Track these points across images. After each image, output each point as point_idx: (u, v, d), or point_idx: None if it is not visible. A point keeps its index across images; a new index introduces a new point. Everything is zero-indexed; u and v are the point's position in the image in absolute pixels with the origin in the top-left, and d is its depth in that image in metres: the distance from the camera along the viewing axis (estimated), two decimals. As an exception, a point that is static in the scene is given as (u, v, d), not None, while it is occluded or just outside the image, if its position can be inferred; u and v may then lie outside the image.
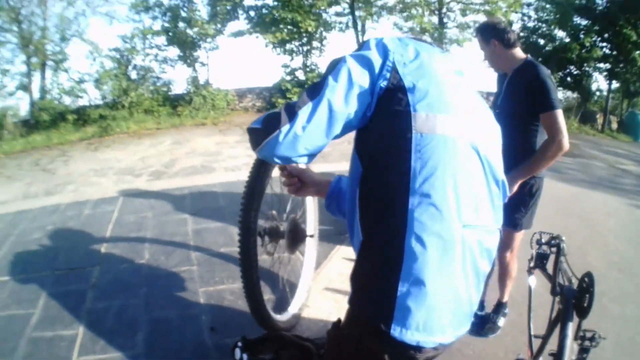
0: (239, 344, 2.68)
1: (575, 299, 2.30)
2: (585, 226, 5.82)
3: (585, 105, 18.48)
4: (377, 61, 1.44)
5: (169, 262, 4.20)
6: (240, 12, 15.43)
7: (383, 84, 1.43)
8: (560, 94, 19.88)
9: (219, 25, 14.96)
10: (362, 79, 1.42)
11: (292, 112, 1.44)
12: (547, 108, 2.87)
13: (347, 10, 16.72)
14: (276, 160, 1.52)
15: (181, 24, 14.33)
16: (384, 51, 1.46)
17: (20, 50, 14.03)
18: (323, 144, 1.49)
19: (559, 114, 2.86)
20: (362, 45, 1.51)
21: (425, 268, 1.33)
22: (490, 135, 1.56)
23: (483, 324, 3.49)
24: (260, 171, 2.49)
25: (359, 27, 16.98)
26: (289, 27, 14.99)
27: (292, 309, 3.27)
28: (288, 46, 15.63)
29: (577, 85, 18.99)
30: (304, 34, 15.15)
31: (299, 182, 2.07)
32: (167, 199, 6.02)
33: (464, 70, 1.63)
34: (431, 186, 1.34)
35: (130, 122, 12.50)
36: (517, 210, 3.22)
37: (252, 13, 15.65)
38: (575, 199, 7.08)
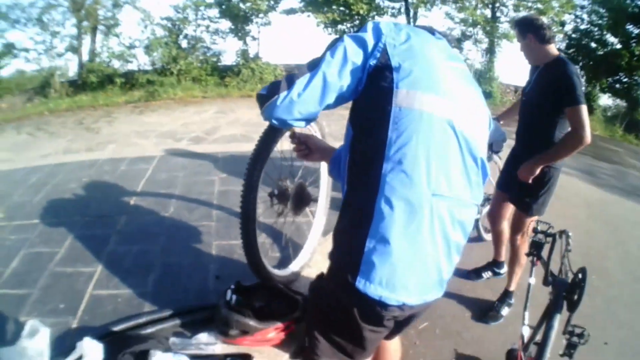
0: (232, 286, 2.92)
1: (566, 292, 2.38)
2: (609, 231, 5.82)
3: (632, 114, 17.95)
4: (370, 42, 1.60)
5: (190, 217, 4.49)
6: None
7: (373, 62, 1.60)
8: (610, 101, 19.38)
9: (271, 2, 14.98)
10: (356, 57, 1.60)
11: (291, 81, 1.64)
12: (573, 103, 3.05)
13: (400, -4, 16.67)
14: (274, 121, 1.72)
15: None
16: (377, 34, 1.62)
17: (71, 14, 14.45)
18: (316, 110, 1.68)
19: (583, 109, 3.04)
20: (361, 28, 1.66)
21: (391, 228, 1.49)
22: (473, 116, 1.66)
23: (487, 310, 3.73)
24: (268, 137, 2.73)
25: (411, 14, 16.83)
26: (341, 8, 15.02)
27: (293, 267, 3.49)
28: (339, 27, 15.59)
29: (625, 93, 18.48)
30: (356, 17, 15.12)
31: (307, 148, 2.27)
32: (201, 162, 6.33)
33: (460, 57, 1.80)
34: (403, 155, 1.50)
35: (177, 89, 12.85)
36: (529, 195, 3.46)
37: None
38: (605, 204, 7.04)
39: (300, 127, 1.87)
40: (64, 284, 3.38)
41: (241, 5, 14.40)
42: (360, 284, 1.52)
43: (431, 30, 1.79)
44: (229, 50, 15.60)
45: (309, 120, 1.75)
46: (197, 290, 3.32)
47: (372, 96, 1.61)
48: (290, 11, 15.84)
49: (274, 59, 15.38)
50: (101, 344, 2.51)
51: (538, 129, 3.39)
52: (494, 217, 4.01)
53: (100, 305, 3.14)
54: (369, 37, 1.61)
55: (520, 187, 3.48)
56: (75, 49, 14.78)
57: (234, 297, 2.82)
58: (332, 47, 1.64)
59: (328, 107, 1.70)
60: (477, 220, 4.70)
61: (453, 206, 1.58)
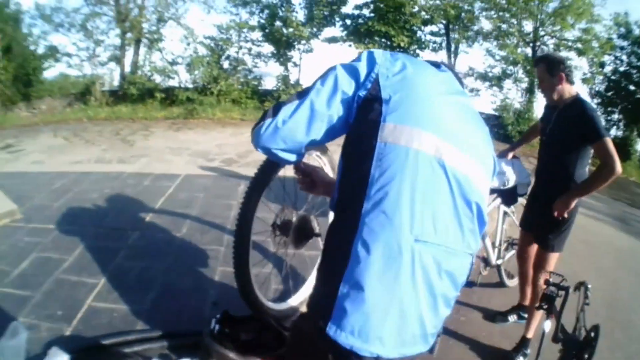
0: (217, 315, 2.95)
1: (576, 351, 2.33)
2: (638, 282, 5.63)
3: (668, 161, 17.64)
4: (363, 72, 1.54)
5: (201, 239, 4.60)
6: (337, 18, 15.92)
7: (362, 93, 1.53)
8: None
9: (314, 29, 15.40)
10: (347, 87, 1.54)
11: (278, 108, 1.60)
12: (598, 137, 3.13)
13: (442, 31, 17.01)
14: (259, 150, 1.67)
15: (278, 23, 14.83)
16: (371, 63, 1.55)
17: (115, 24, 15.00)
18: (302, 140, 1.61)
19: (609, 141, 3.11)
20: (357, 57, 1.61)
21: (366, 273, 1.39)
22: (470, 156, 1.54)
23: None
24: (267, 166, 2.72)
25: (452, 49, 17.21)
26: (383, 40, 15.36)
27: (292, 302, 3.47)
28: None
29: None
30: (397, 49, 15.34)
31: (311, 180, 2.20)
32: (224, 185, 6.46)
33: (465, 92, 1.72)
34: (385, 194, 1.41)
35: (216, 109, 13.21)
36: (550, 231, 3.48)
37: (348, 21, 16.11)
38: (635, 253, 6.81)
39: (289, 160, 1.76)
40: (66, 291, 3.52)
41: (284, 30, 14.79)
42: (332, 330, 1.43)
43: (436, 64, 1.73)
44: (270, 75, 15.94)
45: (294, 151, 1.70)
46: (191, 313, 3.38)
47: (361, 130, 1.54)
48: (332, 40, 16.23)
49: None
50: (68, 355, 2.61)
51: (559, 167, 3.42)
52: (522, 258, 4.02)
53: (96, 317, 3.25)
54: (362, 66, 1.56)
55: (542, 224, 3.52)
56: (118, 60, 15.36)
57: (217, 326, 2.85)
58: (324, 75, 1.60)
59: (315, 141, 1.64)
60: (498, 266, 4.63)
61: (440, 254, 1.45)
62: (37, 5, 17.08)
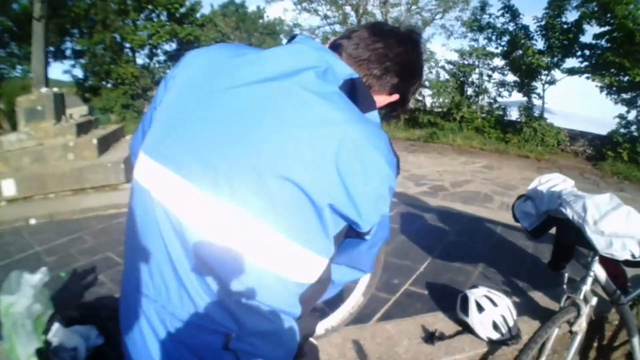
0: None
1: None
2: None
3: None
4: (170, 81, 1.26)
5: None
6: (576, 48, 15.16)
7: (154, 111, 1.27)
8: None
9: (554, 59, 14.92)
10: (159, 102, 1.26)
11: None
12: None
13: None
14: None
15: (519, 51, 14.72)
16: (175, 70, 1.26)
17: None
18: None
19: None
20: None
21: (121, 308, 1.27)
22: (205, 185, 1.08)
23: None
24: None
25: None
26: (619, 72, 14.15)
27: (329, 322, 3.16)
28: (624, 95, 14.57)
29: None
30: (633, 88, 14.05)
31: None
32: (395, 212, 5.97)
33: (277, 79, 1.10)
34: (125, 235, 1.26)
35: (457, 136, 13.66)
36: None
37: (587, 52, 15.19)
38: None
39: None
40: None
41: (523, 58, 14.66)
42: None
43: (293, 36, 1.28)
44: (515, 105, 15.91)
45: None
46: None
47: None
48: (571, 71, 15.46)
49: (558, 122, 15.30)
50: (33, 290, 2.79)
51: None
52: None
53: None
54: (170, 75, 1.26)
55: None
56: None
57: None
58: None
59: None
60: None
61: (165, 317, 1.15)
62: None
